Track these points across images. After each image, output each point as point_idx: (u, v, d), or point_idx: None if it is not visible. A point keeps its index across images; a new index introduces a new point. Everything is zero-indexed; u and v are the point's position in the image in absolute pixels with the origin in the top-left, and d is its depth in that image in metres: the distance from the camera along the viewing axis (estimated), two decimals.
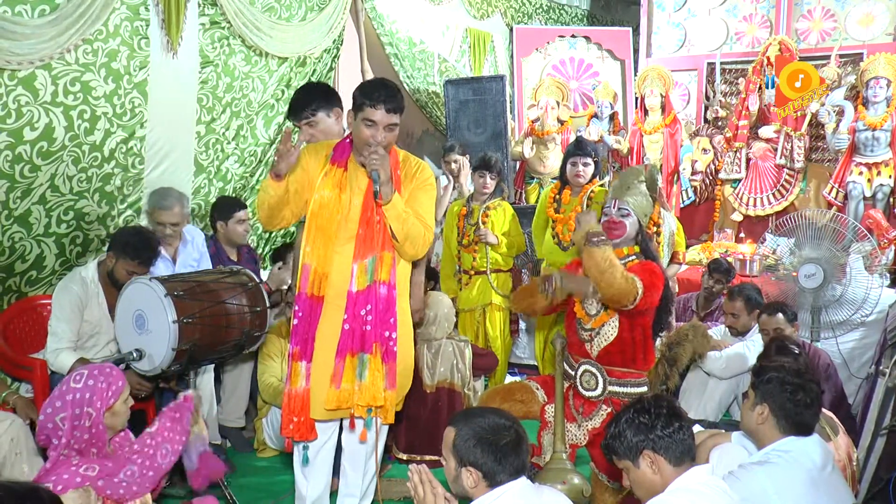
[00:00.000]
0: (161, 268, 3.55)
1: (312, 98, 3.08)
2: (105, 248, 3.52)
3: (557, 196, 4.22)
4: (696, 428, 2.53)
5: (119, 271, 3.26)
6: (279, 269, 4.02)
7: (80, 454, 2.26)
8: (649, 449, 1.99)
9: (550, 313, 3.31)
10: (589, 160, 4.09)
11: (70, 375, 2.36)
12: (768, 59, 5.94)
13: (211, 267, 3.92)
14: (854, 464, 2.89)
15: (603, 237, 2.73)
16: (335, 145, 2.71)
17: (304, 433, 2.68)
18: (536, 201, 4.67)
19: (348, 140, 2.70)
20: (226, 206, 4.14)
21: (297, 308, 2.67)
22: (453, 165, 5.23)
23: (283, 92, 4.92)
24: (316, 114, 3.04)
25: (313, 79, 5.15)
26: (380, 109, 2.54)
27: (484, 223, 4.31)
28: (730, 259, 5.38)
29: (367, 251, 2.61)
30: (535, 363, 4.54)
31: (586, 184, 4.10)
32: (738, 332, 4.14)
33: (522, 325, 5.04)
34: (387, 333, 2.65)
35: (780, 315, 3.73)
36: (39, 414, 2.31)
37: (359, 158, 2.63)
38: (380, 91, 2.56)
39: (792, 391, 2.30)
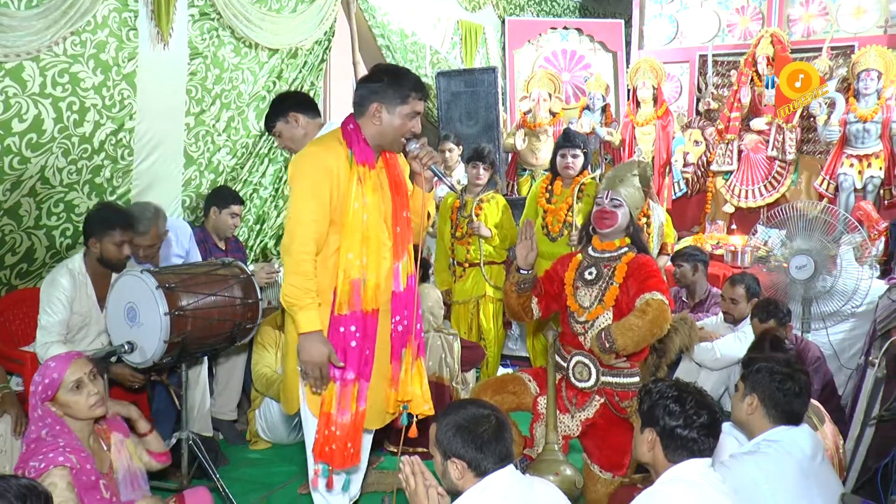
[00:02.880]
0: None
1: (269, 114, 3.21)
2: None
3: (549, 187, 4.24)
4: None
5: (108, 250, 3.16)
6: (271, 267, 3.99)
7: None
8: (657, 431, 2.01)
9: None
10: (578, 151, 4.12)
11: None
12: (768, 58, 5.93)
13: (200, 259, 3.90)
14: (841, 452, 2.92)
15: (609, 341, 2.69)
16: (348, 143, 2.44)
17: (355, 459, 2.46)
18: (528, 193, 4.67)
19: (362, 138, 2.44)
20: (225, 196, 4.13)
21: (350, 329, 2.39)
22: (447, 154, 5.24)
23: (273, 84, 4.89)
24: (275, 126, 3.17)
25: (304, 71, 5.13)
26: (423, 101, 2.48)
27: (477, 216, 4.31)
28: (721, 251, 5.40)
29: (403, 248, 2.53)
30: (528, 355, 4.55)
31: (576, 175, 4.12)
32: (735, 320, 4.15)
33: None
34: (418, 326, 2.62)
35: (772, 322, 3.71)
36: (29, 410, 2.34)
37: (376, 154, 2.50)
38: (419, 81, 2.47)
39: (781, 381, 2.32)
